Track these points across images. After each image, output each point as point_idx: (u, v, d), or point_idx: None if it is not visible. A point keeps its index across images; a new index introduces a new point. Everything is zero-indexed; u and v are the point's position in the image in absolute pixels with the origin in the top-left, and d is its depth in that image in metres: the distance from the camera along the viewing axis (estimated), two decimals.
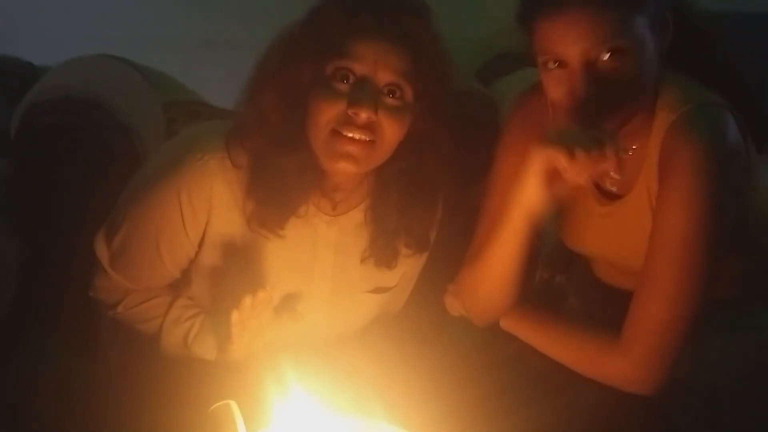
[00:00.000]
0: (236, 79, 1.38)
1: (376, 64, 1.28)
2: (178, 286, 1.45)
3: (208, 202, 1.36)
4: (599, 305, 1.43)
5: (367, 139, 1.28)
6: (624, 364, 1.23)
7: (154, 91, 1.87)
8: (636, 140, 1.29)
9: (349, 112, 1.27)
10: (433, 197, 1.42)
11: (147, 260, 1.40)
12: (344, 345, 1.49)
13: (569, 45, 1.19)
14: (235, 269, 1.41)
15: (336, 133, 1.29)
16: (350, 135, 1.28)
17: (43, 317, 1.55)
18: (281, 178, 1.33)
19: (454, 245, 1.46)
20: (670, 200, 1.22)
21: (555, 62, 1.22)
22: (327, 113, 1.28)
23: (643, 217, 1.29)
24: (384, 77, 1.29)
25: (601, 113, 1.22)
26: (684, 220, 1.20)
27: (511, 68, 1.99)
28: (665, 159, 1.24)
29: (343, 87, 1.28)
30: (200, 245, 1.40)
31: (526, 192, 1.25)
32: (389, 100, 1.30)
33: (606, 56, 1.19)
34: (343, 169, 1.31)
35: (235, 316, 1.28)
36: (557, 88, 1.23)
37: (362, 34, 1.28)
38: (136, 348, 1.43)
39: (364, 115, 1.27)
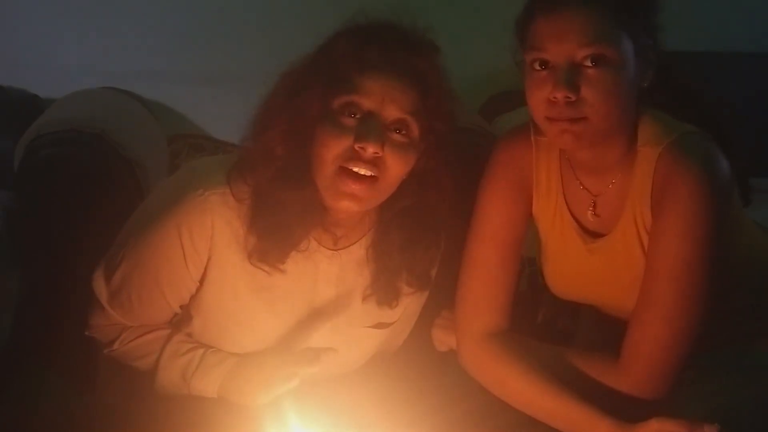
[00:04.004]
0: (240, 113, 1.38)
1: (384, 100, 1.29)
2: (177, 323, 1.44)
3: (209, 237, 1.35)
4: (603, 347, 1.42)
5: (372, 174, 1.29)
6: (626, 384, 1.27)
7: (158, 124, 1.88)
8: (615, 176, 1.32)
9: (356, 146, 1.28)
10: (435, 235, 1.42)
11: (146, 297, 1.38)
12: (345, 382, 1.47)
13: (558, 41, 1.23)
14: (236, 304, 1.40)
15: (341, 171, 1.29)
16: (355, 169, 1.28)
17: (41, 350, 1.53)
18: (283, 213, 1.33)
19: (456, 283, 1.45)
20: (671, 226, 1.25)
21: (541, 63, 1.25)
22: (333, 148, 1.29)
23: (632, 249, 1.31)
24: (391, 113, 1.29)
25: (576, 127, 1.24)
26: (686, 245, 1.24)
27: (513, 105, 2.00)
28: (661, 187, 1.27)
29: (350, 122, 1.29)
30: (201, 281, 1.39)
31: None
32: (396, 137, 1.30)
33: (589, 62, 1.23)
34: (347, 207, 1.31)
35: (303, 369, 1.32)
36: (539, 90, 1.25)
37: (371, 70, 1.29)
38: (133, 384, 1.41)
39: (370, 150, 1.27)
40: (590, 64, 1.23)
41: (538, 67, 1.25)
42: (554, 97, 1.23)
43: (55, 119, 1.74)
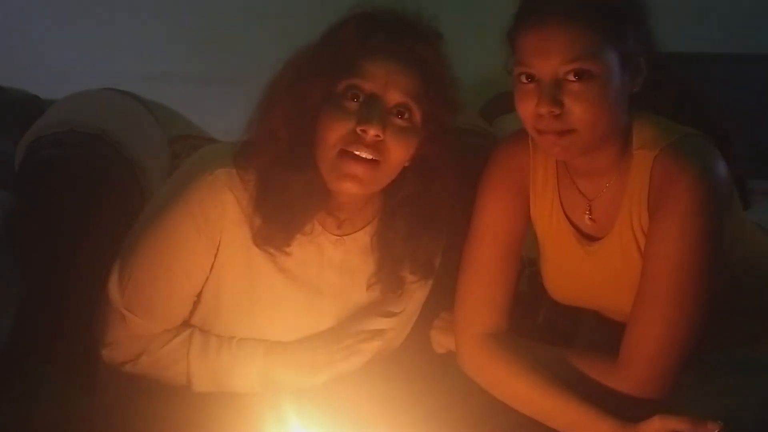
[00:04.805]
0: (241, 114, 1.39)
1: (387, 83, 1.30)
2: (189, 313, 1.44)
3: (221, 214, 1.36)
4: (606, 347, 1.43)
5: (373, 158, 1.30)
6: (625, 384, 1.27)
7: (159, 125, 1.88)
8: (610, 179, 1.33)
9: (358, 129, 1.29)
10: (438, 224, 1.43)
11: (165, 290, 1.38)
12: (345, 382, 1.47)
13: (542, 58, 1.25)
14: (244, 287, 1.40)
15: (343, 153, 1.30)
16: (357, 152, 1.29)
17: (42, 351, 1.53)
18: (287, 196, 1.34)
19: (455, 283, 1.45)
20: (669, 226, 1.25)
21: (527, 77, 1.26)
22: (336, 131, 1.30)
23: (629, 252, 1.32)
24: (393, 97, 1.31)
25: (564, 140, 1.25)
26: (685, 245, 1.24)
27: (514, 106, 1.99)
28: (658, 189, 1.27)
29: (353, 105, 1.30)
30: (213, 262, 1.38)
31: None
32: (397, 121, 1.31)
33: (573, 77, 1.24)
34: (348, 189, 1.32)
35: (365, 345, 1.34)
36: (526, 103, 1.27)
37: (374, 54, 1.31)
38: (135, 383, 1.41)
39: (372, 133, 1.29)
40: (574, 79, 1.24)
41: (524, 80, 1.27)
42: (539, 112, 1.25)
43: (56, 120, 1.74)
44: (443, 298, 1.49)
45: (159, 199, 1.43)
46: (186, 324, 1.43)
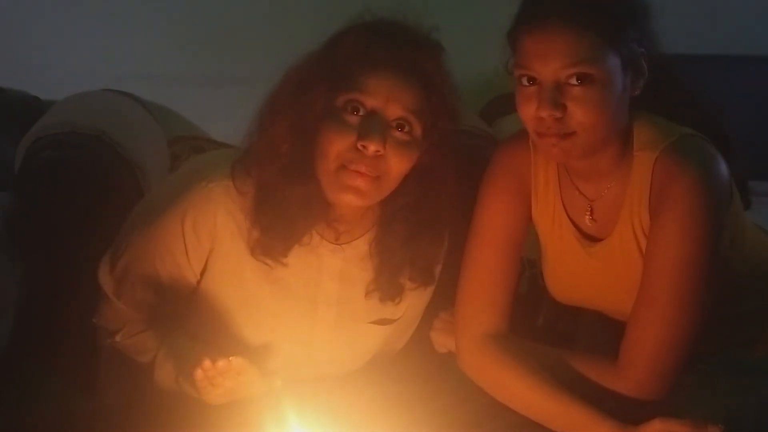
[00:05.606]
0: (241, 115, 1.39)
1: (387, 98, 1.30)
2: (181, 318, 1.44)
3: (212, 229, 1.36)
4: (605, 349, 1.43)
5: (374, 174, 1.30)
6: (624, 385, 1.28)
7: (158, 126, 1.88)
8: (610, 181, 1.33)
9: (359, 144, 1.29)
10: (438, 231, 1.43)
11: (147, 287, 1.39)
12: (345, 383, 1.48)
13: (543, 61, 1.24)
14: (238, 299, 1.41)
15: (344, 167, 1.30)
16: (357, 169, 1.29)
17: (42, 352, 1.54)
18: (286, 207, 1.34)
19: (456, 285, 1.45)
20: (670, 227, 1.26)
21: (529, 80, 1.26)
22: (336, 145, 1.30)
23: (630, 253, 1.32)
24: (394, 112, 1.30)
25: (565, 143, 1.26)
26: (685, 245, 1.25)
27: (513, 108, 1.99)
28: (659, 190, 1.28)
29: (354, 119, 1.30)
30: (202, 273, 1.40)
31: None
32: (398, 135, 1.31)
33: (574, 81, 1.24)
34: (349, 202, 1.32)
35: (198, 374, 1.26)
36: (527, 106, 1.27)
37: (375, 69, 1.30)
38: (135, 386, 1.42)
39: (372, 148, 1.29)
40: (575, 83, 1.24)
41: (525, 83, 1.27)
42: (540, 116, 1.25)
43: (56, 121, 1.74)
44: (443, 299, 1.49)
45: (156, 198, 1.44)
46: (175, 326, 1.43)
